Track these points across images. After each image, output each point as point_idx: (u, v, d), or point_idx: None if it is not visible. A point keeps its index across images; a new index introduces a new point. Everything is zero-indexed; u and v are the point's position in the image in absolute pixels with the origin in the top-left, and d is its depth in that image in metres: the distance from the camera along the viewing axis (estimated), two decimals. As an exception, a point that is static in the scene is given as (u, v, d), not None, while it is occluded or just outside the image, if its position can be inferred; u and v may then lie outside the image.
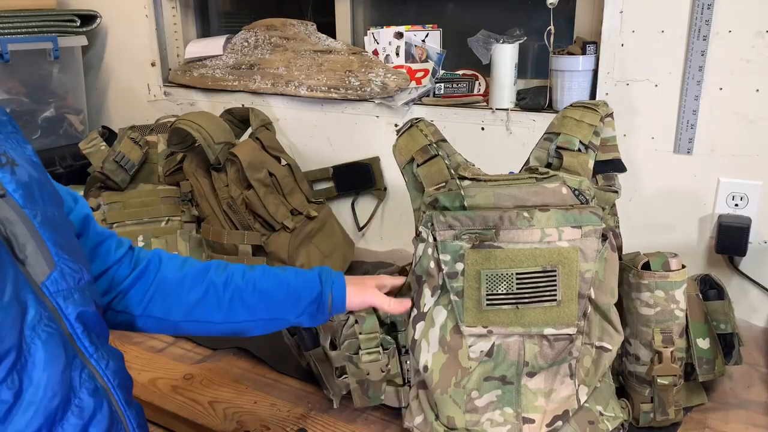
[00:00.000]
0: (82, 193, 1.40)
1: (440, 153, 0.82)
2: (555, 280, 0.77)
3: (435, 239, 0.78)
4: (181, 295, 0.77)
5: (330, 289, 0.82)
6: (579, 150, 0.83)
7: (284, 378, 1.04)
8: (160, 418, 0.98)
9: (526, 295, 0.77)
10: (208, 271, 0.80)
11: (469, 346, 0.79)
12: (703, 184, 1.19)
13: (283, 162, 1.40)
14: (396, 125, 1.47)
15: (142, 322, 0.77)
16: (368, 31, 1.53)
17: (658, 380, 0.86)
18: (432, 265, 0.79)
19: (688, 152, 1.18)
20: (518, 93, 1.37)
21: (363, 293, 0.84)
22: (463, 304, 0.78)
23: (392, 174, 1.52)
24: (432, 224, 0.78)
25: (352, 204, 1.59)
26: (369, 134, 1.51)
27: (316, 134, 1.59)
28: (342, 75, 1.49)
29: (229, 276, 0.80)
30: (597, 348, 0.81)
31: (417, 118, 0.88)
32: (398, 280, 0.90)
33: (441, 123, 1.41)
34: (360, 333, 0.90)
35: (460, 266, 0.77)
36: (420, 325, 0.81)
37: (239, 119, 1.50)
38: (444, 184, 0.80)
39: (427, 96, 1.45)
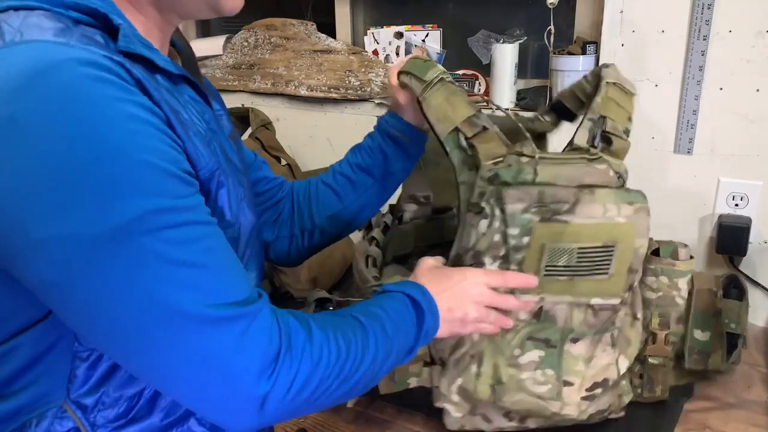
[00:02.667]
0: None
1: (488, 126, 0.79)
2: (612, 255, 0.78)
3: (503, 212, 0.76)
4: (312, 203, 0.92)
5: (387, 125, 0.90)
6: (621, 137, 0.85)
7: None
8: (160, 418, 0.97)
9: (583, 269, 0.78)
10: (319, 178, 0.94)
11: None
12: (703, 184, 1.19)
13: (283, 162, 1.40)
14: (396, 125, 1.47)
15: (298, 239, 0.93)
16: (368, 31, 1.53)
17: (649, 360, 0.90)
18: (496, 238, 0.76)
19: (688, 152, 1.18)
20: (518, 93, 1.37)
21: (404, 106, 0.89)
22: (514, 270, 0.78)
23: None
24: (500, 198, 0.75)
25: (352, 204, 1.59)
26: (369, 134, 1.51)
27: (316, 134, 1.59)
28: (342, 75, 1.49)
29: (333, 170, 0.94)
30: (635, 319, 0.85)
31: (442, 74, 0.83)
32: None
33: (441, 123, 1.41)
34: None
35: (526, 239, 0.76)
36: None
37: (239, 119, 1.50)
38: (502, 158, 0.78)
39: (427, 96, 1.44)
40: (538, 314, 0.80)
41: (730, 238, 1.15)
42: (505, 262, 0.78)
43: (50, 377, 0.57)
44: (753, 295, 1.19)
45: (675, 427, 0.91)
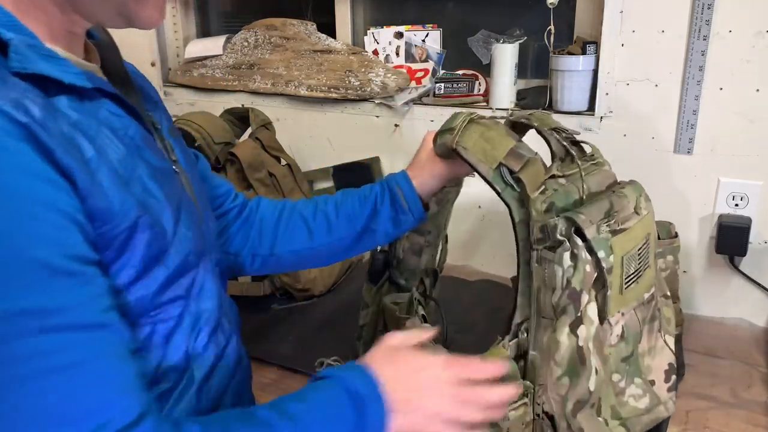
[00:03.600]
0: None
1: (529, 154, 0.76)
2: (649, 246, 0.79)
3: (585, 239, 0.72)
4: (278, 232, 0.85)
5: (394, 181, 0.84)
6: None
7: (285, 378, 1.04)
8: (160, 418, 0.97)
9: (642, 268, 0.78)
10: (296, 206, 0.87)
11: (610, 335, 0.78)
12: (703, 184, 1.19)
13: (283, 162, 1.40)
14: (396, 125, 1.47)
15: (245, 261, 0.85)
16: (368, 31, 1.53)
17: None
18: (588, 268, 0.73)
19: (688, 152, 1.18)
20: (518, 93, 1.37)
21: (421, 170, 0.85)
22: (611, 295, 0.75)
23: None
24: (576, 226, 0.72)
25: (352, 204, 1.59)
26: (369, 134, 1.51)
27: (316, 134, 1.59)
28: (342, 75, 1.49)
29: (316, 205, 0.87)
30: (667, 298, 0.87)
31: (469, 115, 0.81)
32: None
33: (441, 123, 1.41)
34: None
35: (612, 258, 0.74)
36: (582, 329, 0.74)
37: (239, 119, 1.50)
38: (543, 186, 0.75)
39: (427, 96, 1.45)
40: (622, 333, 0.78)
41: (730, 238, 1.15)
42: (602, 287, 0.74)
43: None
44: (753, 295, 1.20)
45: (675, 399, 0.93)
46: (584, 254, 0.72)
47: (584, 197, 0.76)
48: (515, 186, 0.76)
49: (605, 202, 0.76)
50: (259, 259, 0.85)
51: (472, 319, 1.18)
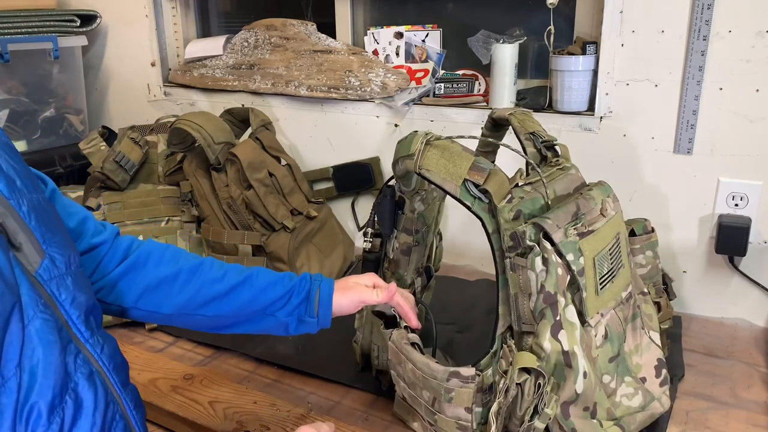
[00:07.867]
0: (81, 193, 1.40)
1: (489, 166, 0.77)
2: (620, 245, 0.82)
3: (553, 244, 0.74)
4: (173, 291, 0.80)
5: (318, 285, 0.84)
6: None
7: (284, 378, 1.04)
8: (160, 418, 0.97)
9: (615, 267, 0.81)
10: (202, 267, 0.81)
11: (594, 336, 0.79)
12: (703, 184, 1.19)
13: (283, 162, 1.40)
14: (396, 125, 1.47)
15: (134, 313, 0.80)
16: (368, 31, 1.53)
17: (660, 326, 0.95)
18: (560, 271, 0.74)
19: (688, 152, 1.18)
20: (518, 93, 1.37)
21: (347, 291, 0.85)
22: (586, 296, 0.76)
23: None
24: (544, 231, 0.74)
25: (352, 204, 1.60)
26: (369, 134, 1.51)
27: (316, 134, 1.59)
28: (342, 75, 1.49)
29: (225, 273, 0.82)
30: (645, 295, 0.89)
31: (424, 137, 0.81)
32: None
33: (441, 123, 1.41)
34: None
35: (582, 260, 0.75)
36: (562, 334, 0.75)
37: (239, 119, 1.50)
38: (509, 195, 0.77)
39: (427, 96, 1.45)
40: (606, 333, 0.80)
41: (730, 238, 1.15)
42: (577, 290, 0.76)
43: None
44: (753, 295, 1.20)
45: (675, 399, 0.95)
46: (554, 258, 0.74)
47: (549, 202, 0.79)
48: (483, 198, 0.77)
49: (572, 206, 0.78)
50: (143, 312, 0.80)
51: (472, 319, 1.18)
